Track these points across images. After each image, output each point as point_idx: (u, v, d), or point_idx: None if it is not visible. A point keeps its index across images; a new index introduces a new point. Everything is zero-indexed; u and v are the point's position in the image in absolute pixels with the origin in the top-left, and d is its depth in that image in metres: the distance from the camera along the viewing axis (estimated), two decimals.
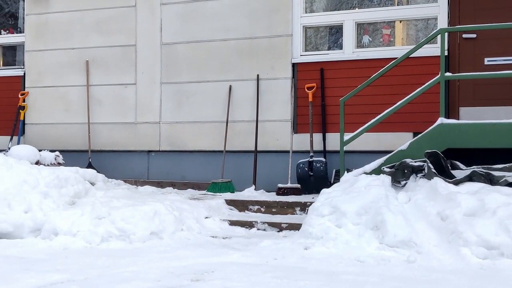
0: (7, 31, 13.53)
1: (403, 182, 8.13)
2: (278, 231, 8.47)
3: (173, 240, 7.91)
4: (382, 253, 6.71)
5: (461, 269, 6.17)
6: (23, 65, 13.02)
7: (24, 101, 12.73)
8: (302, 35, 10.99)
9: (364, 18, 10.75)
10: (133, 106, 12.02)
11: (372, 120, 8.96)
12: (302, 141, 10.73)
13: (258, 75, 11.09)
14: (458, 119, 9.54)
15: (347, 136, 9.13)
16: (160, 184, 11.43)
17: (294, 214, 9.24)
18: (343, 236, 7.07)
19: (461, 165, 8.14)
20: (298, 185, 10.23)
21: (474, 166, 7.91)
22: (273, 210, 9.39)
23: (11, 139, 12.46)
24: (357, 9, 10.88)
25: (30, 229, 8.06)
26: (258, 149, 10.94)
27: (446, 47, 9.11)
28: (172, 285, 5.41)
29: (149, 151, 11.93)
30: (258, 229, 8.63)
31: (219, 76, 11.38)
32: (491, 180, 7.59)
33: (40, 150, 11.27)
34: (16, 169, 9.08)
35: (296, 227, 8.22)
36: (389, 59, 9.52)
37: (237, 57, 11.28)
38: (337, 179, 9.55)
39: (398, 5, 10.69)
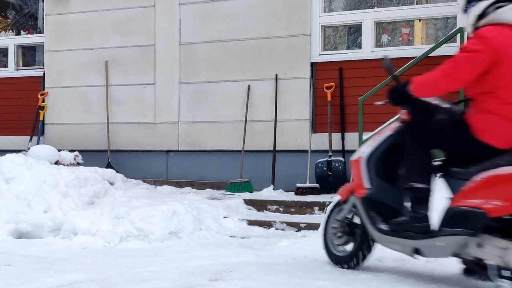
0: (27, 32, 13.61)
1: None
2: (297, 231, 8.43)
3: (192, 239, 7.91)
4: None
5: None
6: (43, 65, 13.08)
7: (43, 101, 12.79)
8: (321, 35, 10.96)
9: (383, 17, 10.70)
10: (152, 106, 12.04)
11: (391, 120, 8.92)
12: (320, 140, 10.69)
13: (276, 75, 11.07)
14: None
15: (366, 136, 9.10)
16: (179, 184, 11.43)
17: (313, 214, 9.20)
18: None
19: None
20: (317, 185, 10.19)
21: None
22: (292, 209, 9.37)
23: (30, 139, 12.51)
24: (376, 8, 10.85)
25: (49, 229, 8.08)
26: (277, 148, 10.92)
27: None
28: (191, 285, 5.40)
29: (168, 151, 11.95)
30: (277, 229, 8.59)
31: (238, 76, 11.37)
32: None
33: (59, 150, 11.31)
34: (35, 169, 9.12)
35: (314, 226, 8.18)
36: (408, 58, 9.47)
37: (255, 57, 11.27)
38: None
39: (417, 4, 10.65)
